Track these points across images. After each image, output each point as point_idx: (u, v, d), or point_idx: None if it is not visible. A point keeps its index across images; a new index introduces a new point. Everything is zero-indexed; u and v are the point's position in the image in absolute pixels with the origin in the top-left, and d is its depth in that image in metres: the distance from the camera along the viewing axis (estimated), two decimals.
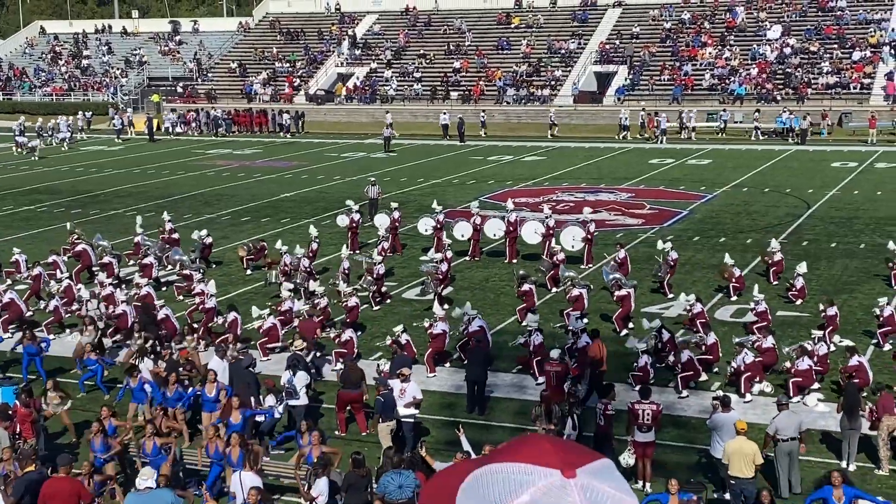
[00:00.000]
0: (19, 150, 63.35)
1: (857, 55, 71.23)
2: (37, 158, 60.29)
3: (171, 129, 73.42)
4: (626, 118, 65.00)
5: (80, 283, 28.10)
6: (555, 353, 19.89)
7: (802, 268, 26.91)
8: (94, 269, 30.09)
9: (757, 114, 63.93)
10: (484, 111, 70.51)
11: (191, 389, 19.24)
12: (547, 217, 32.23)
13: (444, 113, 69.14)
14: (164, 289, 29.33)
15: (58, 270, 28.90)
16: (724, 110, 66.04)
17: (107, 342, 23.99)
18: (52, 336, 25.06)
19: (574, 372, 19.21)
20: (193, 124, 75.15)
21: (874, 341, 23.25)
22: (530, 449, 6.14)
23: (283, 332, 23.72)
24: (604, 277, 26.68)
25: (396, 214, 33.81)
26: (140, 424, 18.33)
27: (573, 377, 18.52)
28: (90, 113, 77.68)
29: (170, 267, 30.93)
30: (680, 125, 64.30)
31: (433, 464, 15.25)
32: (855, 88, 68.64)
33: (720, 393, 18.72)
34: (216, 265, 32.01)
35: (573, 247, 31.12)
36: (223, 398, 18.57)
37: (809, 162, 52.56)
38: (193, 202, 44.19)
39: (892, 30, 72.74)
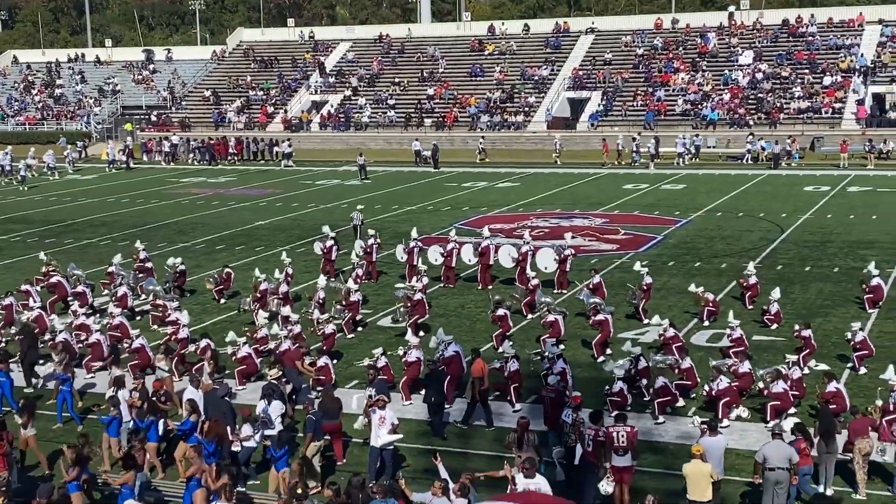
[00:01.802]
0: (7, 178, 63.10)
1: (828, 80, 71.95)
2: (25, 189, 59.86)
3: (118, 159, 71.10)
4: (620, 144, 64.98)
5: (53, 314, 27.84)
6: (552, 380, 19.85)
7: (776, 293, 27.00)
8: (69, 300, 29.83)
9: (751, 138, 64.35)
10: (483, 137, 70.66)
11: (163, 421, 19.06)
12: (525, 242, 32.23)
13: (417, 140, 69.27)
14: (138, 318, 29.13)
15: (30, 299, 28.62)
16: (697, 135, 66.45)
17: (81, 372, 23.74)
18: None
19: (576, 400, 19.13)
20: (156, 154, 74.67)
21: (849, 365, 23.31)
22: None
23: (259, 360, 23.55)
24: (584, 301, 26.68)
25: (372, 241, 33.76)
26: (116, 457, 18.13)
27: (575, 405, 18.46)
28: (82, 143, 77.01)
29: (143, 296, 30.71)
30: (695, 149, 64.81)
31: (410, 495, 15.15)
32: (826, 113, 69.25)
33: (697, 419, 18.71)
34: (190, 294, 31.81)
35: (546, 268, 31.16)
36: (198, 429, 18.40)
37: (782, 186, 52.89)
38: (168, 231, 43.97)
39: (862, 55, 73.52)
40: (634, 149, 64.12)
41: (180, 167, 70.65)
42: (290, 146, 69.76)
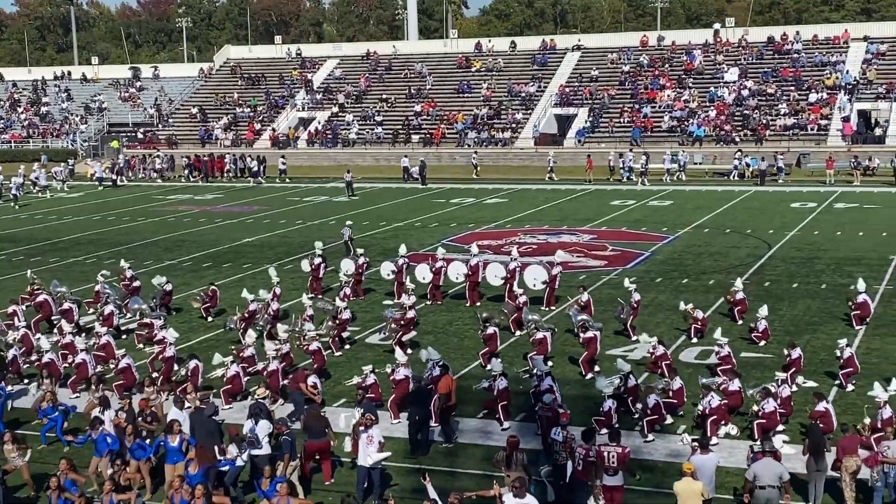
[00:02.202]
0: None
1: (813, 97, 72.26)
2: (17, 207, 59.59)
3: (106, 177, 70.70)
4: (612, 160, 65.04)
5: (38, 333, 27.67)
6: (548, 399, 19.78)
7: (764, 311, 27.00)
8: (53, 319, 29.66)
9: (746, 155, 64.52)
10: (476, 153, 70.58)
11: (157, 439, 18.91)
12: (513, 259, 32.19)
13: (406, 156, 69.33)
14: (124, 337, 28.97)
15: (16, 319, 28.45)
16: (683, 152, 66.62)
17: (65, 392, 23.58)
18: (9, 387, 24.58)
19: (565, 417, 19.08)
20: (140, 171, 74.34)
21: (837, 382, 23.30)
22: None
23: (245, 379, 23.42)
24: (572, 318, 26.62)
25: (362, 260, 33.69)
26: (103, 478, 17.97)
27: (565, 422, 18.40)
28: (73, 161, 76.72)
29: (129, 315, 30.54)
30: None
31: None
32: (812, 130, 69.53)
33: (687, 437, 18.66)
34: (176, 312, 31.66)
35: (534, 285, 31.14)
36: (186, 449, 18.27)
37: (769, 203, 53.02)
38: (154, 248, 43.82)
39: (848, 72, 73.87)
40: (621, 165, 64.24)
41: (168, 184, 70.47)
42: (284, 163, 69.69)
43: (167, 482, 17.72)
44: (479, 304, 31.66)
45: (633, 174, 63.33)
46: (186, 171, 72.66)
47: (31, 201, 62.39)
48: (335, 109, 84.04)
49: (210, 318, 30.88)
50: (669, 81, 78.08)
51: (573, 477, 17.24)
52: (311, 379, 22.14)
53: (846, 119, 69.13)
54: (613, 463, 16.79)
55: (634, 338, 27.22)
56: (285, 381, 22.79)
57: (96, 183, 69.61)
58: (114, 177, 70.15)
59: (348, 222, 41.45)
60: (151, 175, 73.49)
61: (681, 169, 64.10)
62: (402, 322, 26.93)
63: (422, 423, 20.25)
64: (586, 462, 17.13)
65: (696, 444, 17.17)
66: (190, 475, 17.17)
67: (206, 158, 73.36)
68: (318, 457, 19.03)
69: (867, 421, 18.95)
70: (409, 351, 25.35)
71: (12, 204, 60.22)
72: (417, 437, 20.19)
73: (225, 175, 72.51)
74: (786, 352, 23.71)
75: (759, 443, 17.64)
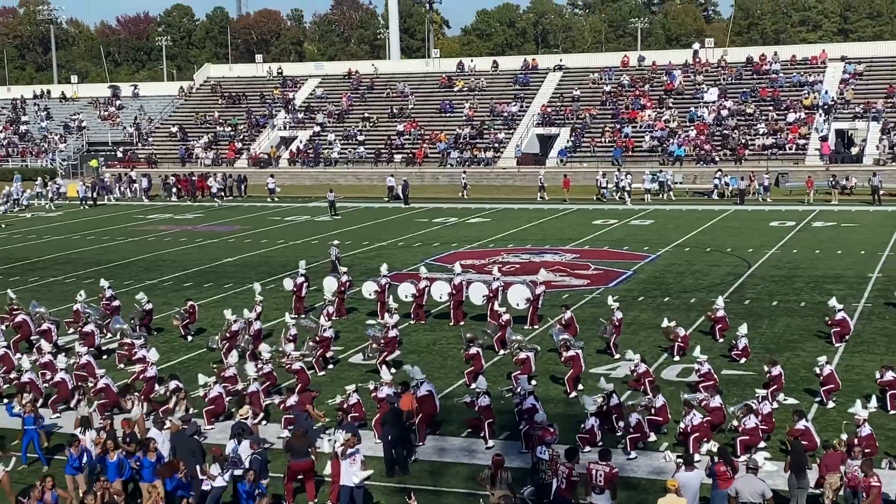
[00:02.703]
0: None
1: (792, 117, 72.82)
2: (3, 226, 59.27)
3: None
4: (603, 181, 65.10)
5: (18, 353, 27.52)
6: (539, 417, 19.79)
7: (743, 329, 27.13)
8: (33, 338, 29.51)
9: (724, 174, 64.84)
10: (465, 172, 70.67)
11: (133, 457, 18.84)
12: (495, 279, 32.24)
13: (391, 175, 69.48)
14: (105, 357, 28.84)
15: None
16: (661, 171, 66.83)
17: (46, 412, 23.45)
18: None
19: (552, 434, 19.11)
20: (119, 190, 73.97)
21: (817, 399, 23.42)
22: None
23: (227, 399, 23.35)
24: (554, 337, 26.67)
25: (344, 279, 33.67)
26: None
27: (549, 441, 18.43)
28: (63, 180, 76.28)
29: (110, 335, 30.41)
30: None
31: None
32: (791, 149, 70.02)
33: (670, 454, 18.72)
34: (157, 332, 31.54)
35: (517, 305, 31.17)
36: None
37: (748, 221, 53.32)
38: (134, 268, 43.66)
39: (826, 92, 74.48)
40: (605, 184, 64.35)
41: (149, 204, 70.26)
42: (273, 182, 69.60)
43: (144, 497, 17.68)
44: (462, 323, 31.69)
45: (625, 193, 63.25)
46: (174, 191, 72.28)
47: (13, 221, 62.05)
48: (317, 129, 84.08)
49: (189, 337, 30.77)
50: (650, 101, 78.54)
51: (557, 496, 17.25)
52: (292, 399, 22.09)
53: (824, 139, 69.67)
54: (601, 482, 16.82)
55: (617, 356, 27.31)
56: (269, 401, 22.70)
57: (79, 202, 69.33)
58: (91, 195, 69.70)
59: (335, 242, 41.39)
60: (141, 196, 72.74)
61: (668, 189, 64.25)
62: (384, 341, 26.91)
63: (395, 443, 20.18)
64: (570, 481, 17.15)
65: (679, 460, 17.22)
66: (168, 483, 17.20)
67: (194, 178, 72.86)
68: (301, 476, 18.98)
69: (844, 437, 19.06)
70: (394, 370, 25.34)
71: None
72: (393, 456, 20.14)
73: (205, 194, 72.33)
74: (766, 368, 23.84)
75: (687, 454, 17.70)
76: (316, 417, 21.42)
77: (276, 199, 68.19)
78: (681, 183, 66.74)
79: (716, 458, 17.39)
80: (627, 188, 62.86)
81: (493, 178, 73.54)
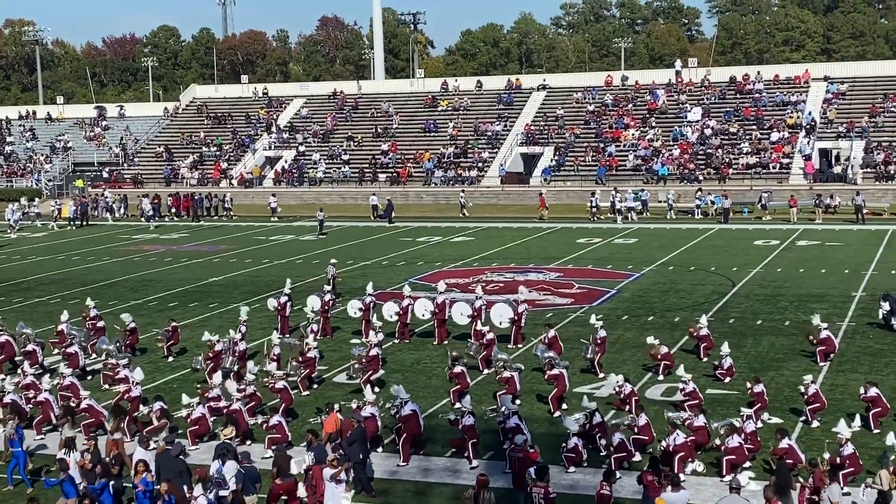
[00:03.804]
0: None
1: (775, 136, 73.21)
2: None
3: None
4: (597, 199, 64.99)
5: (1, 374, 27.40)
6: (519, 439, 19.80)
7: (725, 348, 27.21)
8: (16, 359, 29.39)
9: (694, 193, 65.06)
10: (464, 191, 70.56)
11: (115, 481, 18.77)
12: (477, 297, 32.26)
13: (374, 195, 69.55)
14: (89, 378, 28.73)
15: None
16: (643, 190, 66.94)
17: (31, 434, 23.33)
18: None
19: (534, 456, 19.14)
20: (104, 210, 73.49)
21: (802, 419, 23.47)
22: None
23: (212, 419, 23.29)
24: (539, 356, 26.68)
25: (328, 297, 33.64)
26: None
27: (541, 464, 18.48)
28: (59, 201, 75.91)
29: (95, 356, 30.31)
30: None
31: None
32: (774, 168, 70.36)
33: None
34: (141, 353, 31.45)
35: (500, 323, 31.18)
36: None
37: (732, 240, 53.51)
38: (120, 288, 43.54)
39: (809, 112, 74.93)
40: (593, 203, 64.24)
41: (133, 223, 70.14)
42: (275, 201, 69.42)
43: None
44: (446, 342, 31.68)
45: (631, 212, 63.48)
46: (172, 211, 72.21)
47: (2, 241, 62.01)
48: (302, 148, 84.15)
49: (171, 358, 30.70)
50: (633, 121, 78.89)
51: None
52: (276, 418, 22.07)
53: (807, 158, 70.07)
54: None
55: (601, 375, 27.34)
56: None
57: (66, 223, 69.10)
58: (75, 216, 69.51)
59: (333, 260, 41.20)
60: (143, 217, 72.21)
61: (670, 207, 64.46)
62: (366, 360, 26.87)
63: (359, 463, 20.10)
64: (548, 500, 17.18)
65: (665, 480, 17.25)
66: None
67: (197, 197, 72.52)
68: (284, 497, 18.93)
69: (826, 456, 19.11)
70: (378, 389, 25.31)
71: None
72: (360, 476, 20.09)
73: (227, 214, 72.18)
74: (748, 384, 23.88)
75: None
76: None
77: (277, 218, 67.96)
78: (665, 202, 66.89)
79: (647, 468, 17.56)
80: (630, 206, 62.88)
81: (476, 198, 73.62)
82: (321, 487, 18.42)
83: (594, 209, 64.16)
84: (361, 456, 20.05)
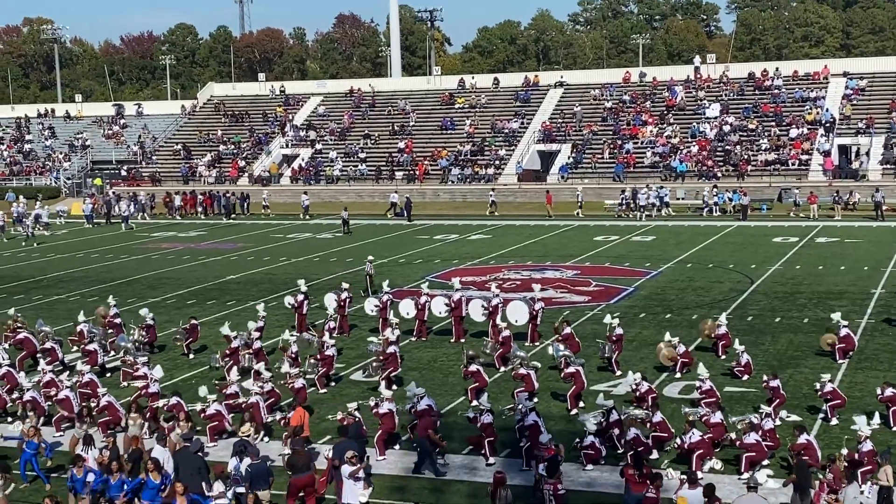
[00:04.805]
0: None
1: (794, 132, 72.84)
2: (35, 244, 59.06)
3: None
4: (626, 197, 64.95)
5: (21, 370, 27.57)
6: (543, 438, 19.79)
7: (738, 345, 27.12)
8: (37, 356, 29.56)
9: (709, 191, 64.82)
10: (493, 189, 70.47)
11: (138, 478, 18.84)
12: (494, 296, 32.24)
13: (395, 192, 69.75)
14: (108, 375, 28.86)
15: None
16: (662, 187, 66.79)
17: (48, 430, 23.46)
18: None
19: (550, 452, 19.15)
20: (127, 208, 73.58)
21: (821, 416, 23.37)
22: None
23: (230, 415, 23.36)
24: (554, 354, 26.66)
25: (344, 295, 33.68)
26: None
27: (551, 460, 18.48)
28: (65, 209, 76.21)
29: (113, 353, 30.45)
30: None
31: None
32: (793, 165, 70.05)
33: (671, 471, 18.69)
34: (159, 350, 31.56)
35: (516, 321, 31.17)
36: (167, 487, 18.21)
37: (751, 237, 53.32)
38: (138, 286, 43.72)
39: (828, 109, 74.54)
40: (623, 200, 63.93)
41: (150, 221, 70.41)
42: (308, 199, 69.50)
43: None
44: (463, 339, 31.67)
45: (661, 209, 63.52)
46: (200, 209, 72.74)
47: (16, 237, 62.28)
48: (319, 146, 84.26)
49: (192, 355, 30.80)
50: (651, 117, 78.62)
51: None
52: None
53: (826, 154, 69.71)
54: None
55: (619, 372, 27.30)
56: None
57: (83, 221, 69.39)
58: (103, 214, 69.98)
59: (370, 257, 41.24)
60: (176, 214, 72.76)
61: (667, 205, 64.35)
62: (383, 357, 26.91)
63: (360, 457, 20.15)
64: (557, 496, 17.18)
65: (683, 477, 17.21)
66: None
67: (228, 195, 72.82)
68: (302, 494, 18.97)
69: (844, 451, 19.03)
70: (395, 386, 25.34)
71: (29, 243, 59.68)
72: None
73: (208, 213, 72.61)
74: (765, 377, 23.82)
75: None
76: (436, 443, 21.08)
77: (309, 216, 67.98)
78: (682, 199, 66.64)
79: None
80: (654, 202, 63.00)
81: (494, 195, 73.50)
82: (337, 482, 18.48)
83: (622, 206, 63.99)
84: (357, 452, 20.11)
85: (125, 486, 18.49)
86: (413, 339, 31.92)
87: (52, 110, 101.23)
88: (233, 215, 70.46)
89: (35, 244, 59.35)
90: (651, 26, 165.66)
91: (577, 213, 64.84)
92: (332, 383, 27.52)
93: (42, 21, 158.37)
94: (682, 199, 66.66)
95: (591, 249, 50.47)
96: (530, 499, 18.71)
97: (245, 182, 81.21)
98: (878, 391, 23.14)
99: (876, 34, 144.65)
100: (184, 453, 19.50)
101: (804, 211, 61.01)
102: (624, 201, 64.58)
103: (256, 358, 27.83)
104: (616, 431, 21.53)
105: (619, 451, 21.17)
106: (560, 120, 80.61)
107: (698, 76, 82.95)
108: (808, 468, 18.28)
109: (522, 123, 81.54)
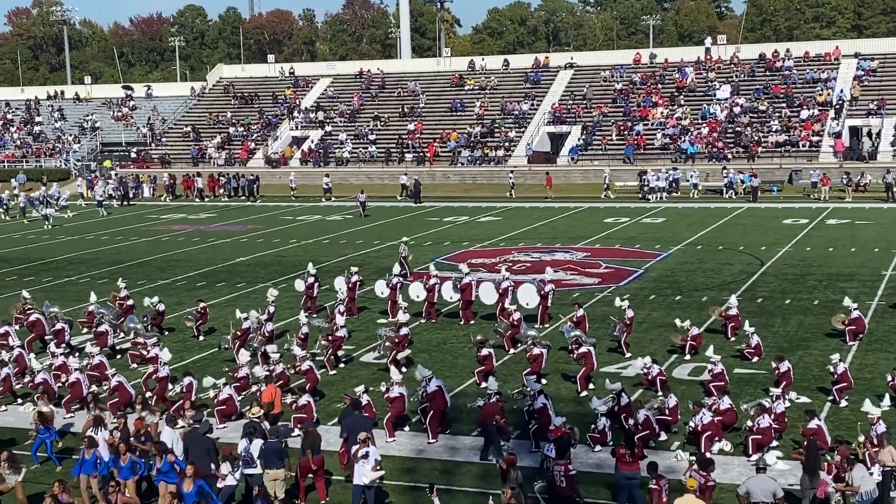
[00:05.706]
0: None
1: (805, 114, 72.52)
2: (49, 226, 59.02)
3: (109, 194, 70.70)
4: (650, 179, 64.75)
5: (31, 353, 27.67)
6: (558, 421, 19.79)
7: (748, 327, 27.09)
8: (47, 338, 29.66)
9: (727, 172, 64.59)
10: (512, 171, 70.44)
11: (151, 461, 18.91)
12: (504, 278, 32.21)
13: (405, 174, 69.69)
14: (118, 357, 28.95)
15: (9, 339, 28.41)
16: (675, 168, 66.67)
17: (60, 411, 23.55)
18: (2, 407, 24.65)
19: (557, 433, 19.18)
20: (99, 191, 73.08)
21: (830, 398, 23.34)
22: None
23: (239, 398, 23.42)
24: (566, 334, 26.67)
25: (355, 278, 33.68)
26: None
27: (560, 441, 18.51)
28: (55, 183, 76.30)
29: (123, 335, 30.53)
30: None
31: None
32: (804, 146, 69.77)
33: (682, 453, 18.68)
34: (169, 332, 31.63)
35: (527, 304, 31.15)
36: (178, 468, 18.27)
37: (761, 219, 53.19)
38: (148, 268, 43.79)
39: (840, 90, 74.16)
40: (645, 182, 63.85)
41: (161, 203, 70.50)
42: (328, 182, 69.36)
43: (160, 497, 17.74)
44: (472, 322, 31.67)
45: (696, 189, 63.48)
46: (222, 191, 72.96)
47: (26, 219, 62.41)
48: (328, 128, 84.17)
49: (202, 337, 30.86)
50: (662, 99, 78.34)
51: (559, 494, 17.29)
52: (305, 398, 22.16)
53: (837, 135, 69.41)
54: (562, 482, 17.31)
55: (628, 354, 27.29)
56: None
57: (97, 204, 69.42)
58: (117, 195, 70.17)
59: (405, 238, 41.18)
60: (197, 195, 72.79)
61: (677, 188, 64.26)
62: (396, 340, 26.95)
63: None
64: (568, 477, 17.21)
65: (692, 459, 17.23)
66: (185, 493, 17.17)
67: (250, 177, 72.86)
68: (311, 475, 19.02)
69: (861, 438, 18.98)
70: (404, 369, 25.37)
71: (46, 225, 59.69)
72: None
73: (216, 193, 72.67)
74: (774, 364, 23.81)
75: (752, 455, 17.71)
76: (503, 427, 21.01)
77: (331, 198, 67.86)
78: (693, 180, 66.51)
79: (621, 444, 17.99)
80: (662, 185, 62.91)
81: (503, 177, 73.38)
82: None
83: (646, 188, 63.71)
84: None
85: (137, 467, 18.56)
86: (423, 321, 31.93)
87: (62, 92, 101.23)
88: (252, 197, 70.48)
89: (52, 225, 59.42)
90: (662, 7, 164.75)
91: (606, 195, 64.51)
92: (342, 365, 27.55)
93: (51, 3, 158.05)
94: (695, 182, 65.93)
95: (601, 231, 50.38)
96: (541, 480, 18.72)
97: (258, 164, 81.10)
98: (889, 377, 23.07)
99: (888, 15, 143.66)
100: (193, 435, 19.55)
101: (817, 192, 60.78)
102: (647, 184, 64.06)
103: (267, 341, 27.85)
104: (625, 415, 21.51)
105: (629, 433, 21.10)
106: (570, 102, 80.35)
107: (709, 57, 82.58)
108: (818, 450, 18.27)
109: (532, 105, 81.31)
